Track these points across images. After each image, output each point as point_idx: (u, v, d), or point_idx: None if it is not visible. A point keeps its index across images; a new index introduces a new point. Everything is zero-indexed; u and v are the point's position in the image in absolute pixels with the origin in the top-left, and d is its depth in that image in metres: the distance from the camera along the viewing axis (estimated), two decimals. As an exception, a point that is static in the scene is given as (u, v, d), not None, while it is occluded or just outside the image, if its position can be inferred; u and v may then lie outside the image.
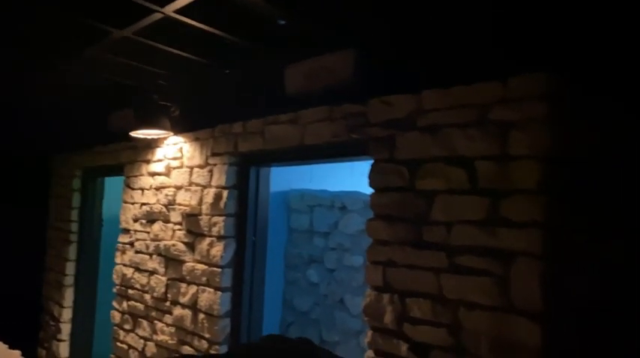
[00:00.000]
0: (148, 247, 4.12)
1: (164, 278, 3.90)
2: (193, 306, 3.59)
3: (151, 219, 4.12)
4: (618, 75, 2.14)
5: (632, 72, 2.15)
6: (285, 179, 4.85)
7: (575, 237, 1.98)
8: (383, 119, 2.48)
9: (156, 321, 3.96)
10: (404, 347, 2.29)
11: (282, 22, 2.75)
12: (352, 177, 4.71)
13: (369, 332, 2.45)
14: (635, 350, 2.11)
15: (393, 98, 2.44)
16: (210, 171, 3.55)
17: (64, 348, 5.20)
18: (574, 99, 2.05)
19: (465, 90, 2.17)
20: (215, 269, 3.43)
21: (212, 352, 3.34)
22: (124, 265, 4.41)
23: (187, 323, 3.62)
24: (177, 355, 3.57)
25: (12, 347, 3.00)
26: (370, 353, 2.45)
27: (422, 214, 2.28)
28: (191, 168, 3.75)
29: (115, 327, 4.45)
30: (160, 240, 3.98)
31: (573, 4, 2.01)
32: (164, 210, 3.97)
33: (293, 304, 4.80)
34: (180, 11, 2.54)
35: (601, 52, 2.09)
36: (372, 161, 2.54)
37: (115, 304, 4.50)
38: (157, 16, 2.61)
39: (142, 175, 4.30)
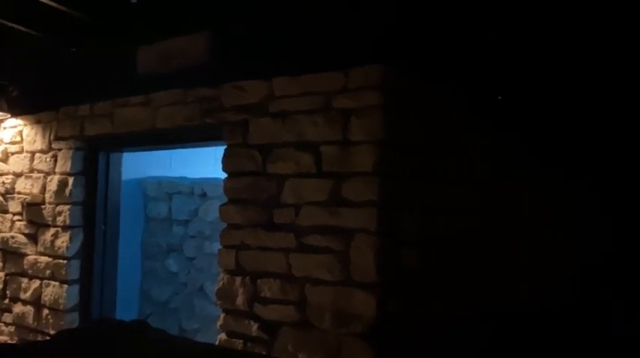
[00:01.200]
0: (-18, 240, 3.74)
1: (2, 274, 3.57)
2: (36, 302, 3.34)
3: (-15, 209, 3.74)
4: (451, 66, 2.39)
5: (464, 64, 2.42)
6: (142, 166, 4.64)
7: (405, 214, 2.19)
8: (236, 104, 2.51)
9: (-8, 321, 3.62)
10: (255, 327, 2.35)
11: (134, 1, 2.65)
12: (216, 163, 4.62)
13: (222, 315, 2.49)
14: (452, 314, 2.39)
15: (246, 83, 2.48)
16: (54, 157, 3.32)
17: None
18: (409, 89, 2.25)
19: (312, 78, 2.28)
20: (60, 261, 3.23)
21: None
22: (-47, 261, 3.95)
23: (30, 320, 3.36)
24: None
25: None
26: (223, 335, 2.48)
27: (273, 197, 2.36)
28: (32, 153, 3.46)
29: (-57, 331, 3.98)
30: (-4, 232, 3.63)
31: (406, 5, 2.20)
32: (1, 199, 3.63)
33: (151, 295, 4.65)
34: (13, -20, 2.33)
35: (435, 46, 2.32)
36: (225, 146, 2.57)
37: (-59, 306, 4.02)
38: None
39: (-26, 161, 3.87)
